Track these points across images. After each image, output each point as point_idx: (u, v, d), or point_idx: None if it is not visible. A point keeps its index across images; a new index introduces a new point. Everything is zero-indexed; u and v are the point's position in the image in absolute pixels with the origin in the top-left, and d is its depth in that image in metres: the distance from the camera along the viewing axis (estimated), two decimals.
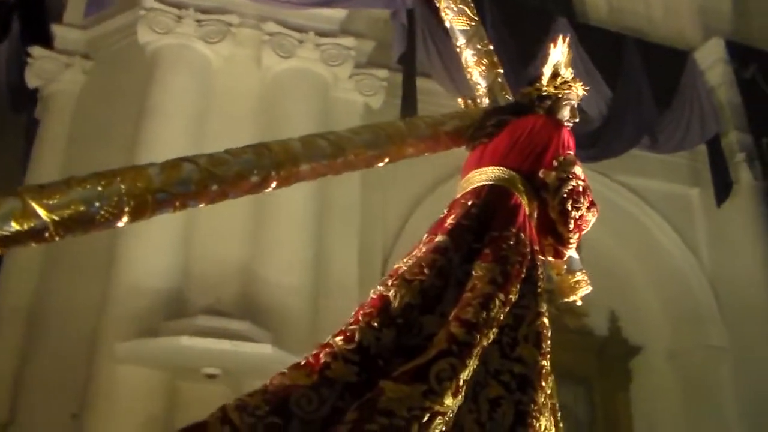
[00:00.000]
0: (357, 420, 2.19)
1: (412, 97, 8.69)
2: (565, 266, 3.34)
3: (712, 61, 10.75)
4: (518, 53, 8.61)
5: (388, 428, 2.18)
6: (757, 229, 10.09)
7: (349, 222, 8.36)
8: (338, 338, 2.49)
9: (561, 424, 2.80)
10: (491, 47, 3.52)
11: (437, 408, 2.29)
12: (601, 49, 9.96)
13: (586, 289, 3.39)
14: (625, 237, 10.14)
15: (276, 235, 7.74)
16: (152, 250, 7.22)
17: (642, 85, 10.05)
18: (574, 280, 3.37)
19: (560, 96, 3.40)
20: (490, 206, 2.96)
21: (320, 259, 8.00)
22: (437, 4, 3.63)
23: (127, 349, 6.84)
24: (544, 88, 3.41)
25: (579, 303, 3.43)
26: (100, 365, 6.99)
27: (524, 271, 2.81)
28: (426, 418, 2.26)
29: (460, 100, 3.55)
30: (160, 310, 7.13)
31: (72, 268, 7.55)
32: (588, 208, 3.14)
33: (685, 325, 10.28)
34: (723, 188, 10.13)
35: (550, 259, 3.24)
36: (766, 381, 9.41)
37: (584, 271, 3.39)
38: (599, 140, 9.57)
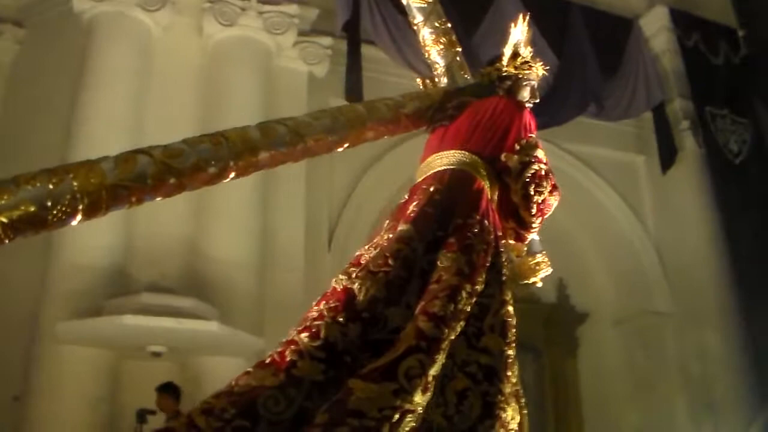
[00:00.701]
0: (327, 423, 2.17)
1: (357, 65, 8.64)
2: (525, 248, 3.33)
3: (656, 29, 10.93)
4: (461, 25, 8.57)
5: (359, 430, 2.16)
6: (700, 195, 10.32)
7: (294, 192, 8.30)
8: (303, 335, 2.42)
9: (525, 411, 2.80)
10: (449, 25, 3.47)
11: (407, 406, 2.27)
12: (546, 17, 9.93)
13: (546, 271, 3.37)
14: (573, 205, 10.17)
15: (220, 208, 7.64)
16: (92, 226, 6.98)
17: (587, 52, 10.14)
18: (534, 261, 3.35)
19: (520, 76, 3.39)
20: (453, 192, 2.92)
21: (266, 232, 7.92)
22: None
23: (70, 329, 6.73)
24: (505, 69, 3.38)
25: (539, 285, 3.43)
26: (42, 346, 6.87)
27: (489, 259, 2.79)
28: (396, 418, 2.24)
29: (418, 80, 3.49)
30: (103, 288, 7.02)
31: (9, 248, 7.33)
32: (551, 192, 3.12)
33: (630, 291, 10.52)
34: (668, 155, 10.33)
35: (511, 242, 3.22)
36: (708, 344, 9.70)
37: (544, 252, 3.39)
38: (546, 108, 9.58)
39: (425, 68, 9.48)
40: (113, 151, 2.26)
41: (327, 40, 8.99)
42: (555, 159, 9.82)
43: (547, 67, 10.10)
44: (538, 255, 3.36)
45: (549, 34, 9.81)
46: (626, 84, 10.47)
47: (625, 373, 10.27)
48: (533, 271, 3.34)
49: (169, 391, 6.29)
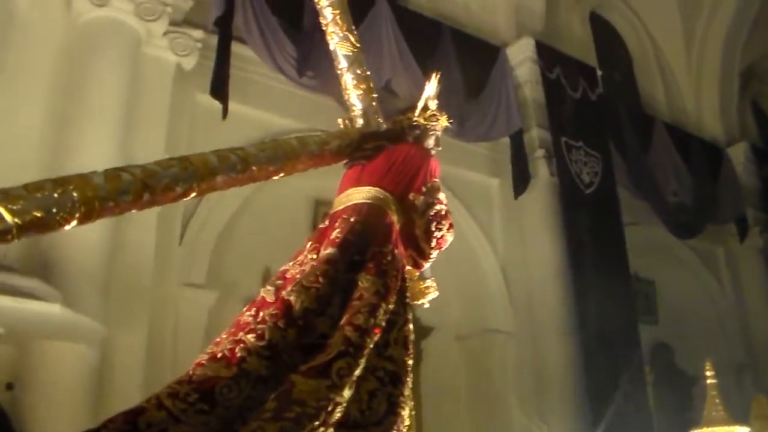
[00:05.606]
0: (276, 409, 2.81)
1: (225, 62, 8.96)
2: (417, 273, 4.15)
3: (521, 59, 11.98)
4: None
5: (302, 416, 2.81)
6: (549, 221, 11.42)
7: None
8: (250, 335, 3.11)
9: (413, 412, 3.58)
10: (368, 73, 4.21)
11: (338, 399, 2.98)
12: (417, 34, 10.75)
13: (433, 295, 4.25)
14: None
15: None
16: None
17: (453, 73, 10.93)
18: (424, 286, 4.21)
19: (428, 127, 4.29)
20: (370, 223, 3.69)
21: (117, 217, 7.97)
22: (324, 28, 4.25)
23: None
24: (415, 119, 4.26)
25: (426, 306, 4.26)
26: None
27: (399, 283, 3.56)
28: (330, 408, 2.93)
29: (339, 120, 4.23)
30: None
31: None
32: (448, 229, 4.06)
33: (475, 309, 11.47)
34: (521, 181, 11.33)
35: (408, 267, 4.00)
36: (543, 363, 10.82)
37: (433, 278, 4.22)
38: None
39: (292, 71, 9.93)
40: None
41: (198, 33, 9.31)
42: None
43: (412, 82, 10.74)
44: (428, 280, 4.20)
45: (419, 50, 10.60)
46: (488, 108, 11.39)
47: (464, 386, 11.24)
48: (422, 294, 4.21)
49: None
